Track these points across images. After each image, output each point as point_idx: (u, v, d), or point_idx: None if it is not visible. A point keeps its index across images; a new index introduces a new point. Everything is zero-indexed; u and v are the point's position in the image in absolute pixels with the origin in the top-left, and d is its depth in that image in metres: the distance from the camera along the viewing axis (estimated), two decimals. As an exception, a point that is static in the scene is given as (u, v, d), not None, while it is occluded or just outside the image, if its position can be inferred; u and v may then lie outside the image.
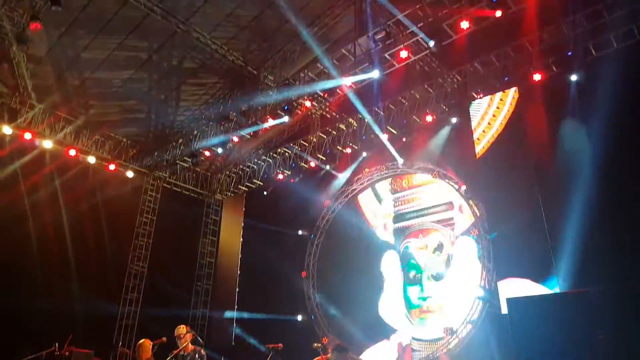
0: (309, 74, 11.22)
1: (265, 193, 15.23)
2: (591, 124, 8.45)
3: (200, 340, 6.76)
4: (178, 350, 6.40)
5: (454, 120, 11.37)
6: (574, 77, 9.42)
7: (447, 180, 11.44)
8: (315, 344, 6.11)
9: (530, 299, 6.05)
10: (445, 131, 11.53)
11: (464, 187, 10.97)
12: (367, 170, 13.18)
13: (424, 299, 11.23)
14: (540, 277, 8.74)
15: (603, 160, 8.14)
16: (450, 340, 10.31)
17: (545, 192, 9.16)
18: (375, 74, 9.89)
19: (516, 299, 6.25)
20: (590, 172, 8.15)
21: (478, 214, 10.58)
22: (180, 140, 14.17)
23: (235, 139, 13.29)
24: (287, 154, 14.53)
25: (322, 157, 13.70)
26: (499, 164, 10.06)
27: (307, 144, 13.96)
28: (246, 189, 16.05)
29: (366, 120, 12.45)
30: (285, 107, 11.50)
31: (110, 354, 11.28)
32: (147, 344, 6.83)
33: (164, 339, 6.85)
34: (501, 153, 10.17)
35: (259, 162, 15.31)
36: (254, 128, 12.63)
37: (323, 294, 13.28)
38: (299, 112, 12.46)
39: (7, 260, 11.35)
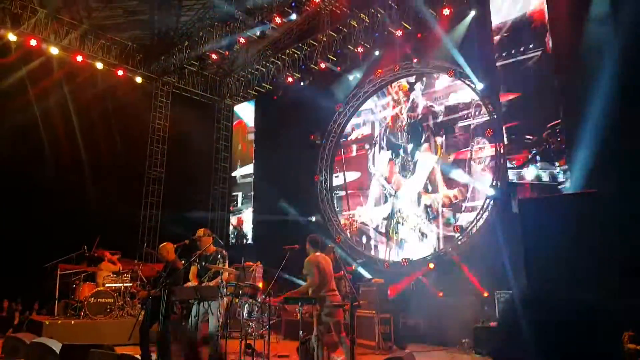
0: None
1: (275, 97, 14.99)
2: (619, 15, 7.92)
3: (221, 242, 7.00)
4: (201, 251, 6.65)
5: (472, 12, 10.77)
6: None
7: (463, 79, 11.07)
8: (330, 244, 6.33)
9: (542, 200, 6.10)
10: (462, 26, 10.94)
11: (481, 86, 10.63)
12: (379, 70, 12.75)
13: (438, 195, 11.38)
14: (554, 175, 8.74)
15: (629, 56, 7.72)
16: (460, 238, 10.63)
17: (565, 90, 8.85)
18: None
19: (528, 199, 6.32)
20: (614, 68, 7.77)
21: (494, 115, 10.37)
22: (186, 43, 13.74)
23: (242, 40, 12.83)
24: (296, 55, 14.06)
25: (333, 58, 13.25)
26: (518, 60, 9.63)
27: (316, 44, 13.45)
28: (256, 93, 15.82)
29: (379, 15, 11.82)
30: (293, 4, 10.92)
31: (137, 254, 11.92)
32: (169, 246, 7.07)
33: (187, 241, 7.07)
34: (519, 50, 9.67)
35: (268, 64, 14.91)
36: (261, 27, 12.12)
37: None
38: (308, 8, 11.84)
39: (23, 169, 11.64)
